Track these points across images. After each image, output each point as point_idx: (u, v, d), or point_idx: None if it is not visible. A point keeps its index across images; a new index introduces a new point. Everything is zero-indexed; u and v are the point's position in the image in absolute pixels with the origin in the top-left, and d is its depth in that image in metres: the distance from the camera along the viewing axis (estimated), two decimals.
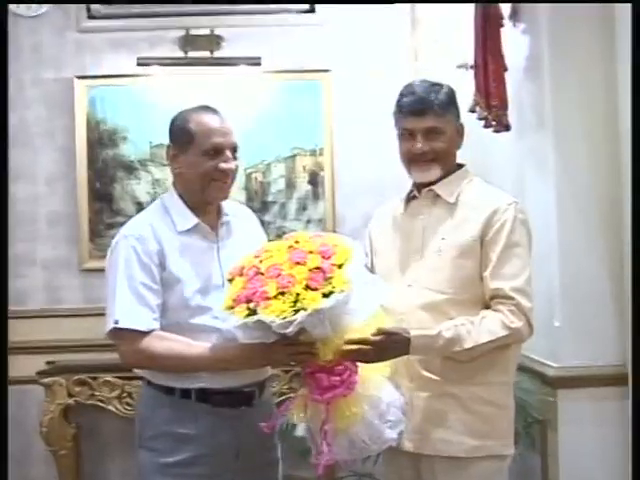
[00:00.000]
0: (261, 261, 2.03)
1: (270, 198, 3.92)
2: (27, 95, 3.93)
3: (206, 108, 2.25)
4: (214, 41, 3.85)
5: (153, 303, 2.09)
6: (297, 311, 1.91)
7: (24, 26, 3.89)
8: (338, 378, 2.03)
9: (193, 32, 3.87)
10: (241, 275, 2.03)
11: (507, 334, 2.09)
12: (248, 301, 1.96)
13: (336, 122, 3.83)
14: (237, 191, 3.77)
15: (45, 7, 3.86)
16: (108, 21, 3.91)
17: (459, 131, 2.31)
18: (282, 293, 1.94)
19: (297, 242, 2.07)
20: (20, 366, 3.60)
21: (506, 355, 2.21)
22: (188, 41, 3.86)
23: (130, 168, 3.76)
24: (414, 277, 2.21)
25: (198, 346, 2.08)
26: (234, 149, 2.22)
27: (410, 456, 2.26)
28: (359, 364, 2.07)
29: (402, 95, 2.27)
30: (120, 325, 2.04)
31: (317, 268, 1.97)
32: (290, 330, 1.91)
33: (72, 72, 3.88)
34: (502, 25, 2.99)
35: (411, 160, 2.28)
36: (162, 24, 3.88)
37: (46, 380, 3.47)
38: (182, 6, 3.82)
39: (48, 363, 3.56)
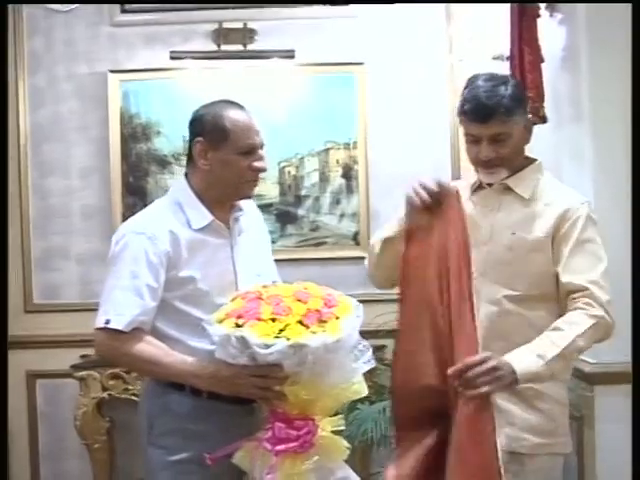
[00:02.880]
0: (267, 290, 2.05)
1: (303, 192, 3.91)
2: (61, 89, 3.92)
3: (234, 104, 2.24)
4: (247, 34, 3.84)
5: (151, 304, 2.08)
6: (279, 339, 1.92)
7: (58, 21, 3.90)
8: (295, 433, 2.01)
9: (226, 25, 3.85)
10: (244, 298, 2.04)
11: (594, 323, 2.02)
12: (239, 317, 1.96)
13: (370, 115, 3.80)
14: (271, 185, 3.83)
15: (79, 2, 3.83)
16: (141, 15, 3.90)
17: (527, 127, 2.24)
18: (273, 319, 1.94)
19: (306, 288, 2.07)
20: (54, 360, 3.67)
21: None
22: (221, 34, 3.86)
23: (163, 162, 3.76)
24: (480, 270, 2.12)
25: (175, 355, 2.07)
26: (263, 147, 2.23)
27: None
28: (324, 431, 2.05)
29: (465, 99, 2.20)
30: (111, 326, 2.03)
31: (316, 310, 1.97)
32: (266, 353, 1.89)
33: (106, 66, 3.88)
34: (539, 16, 2.96)
35: (477, 164, 2.23)
36: (195, 18, 3.87)
37: (80, 374, 3.51)
38: None
39: (82, 357, 3.58)
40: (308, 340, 1.90)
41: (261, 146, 2.21)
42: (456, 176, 3.59)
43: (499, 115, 2.13)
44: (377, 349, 2.60)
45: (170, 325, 2.14)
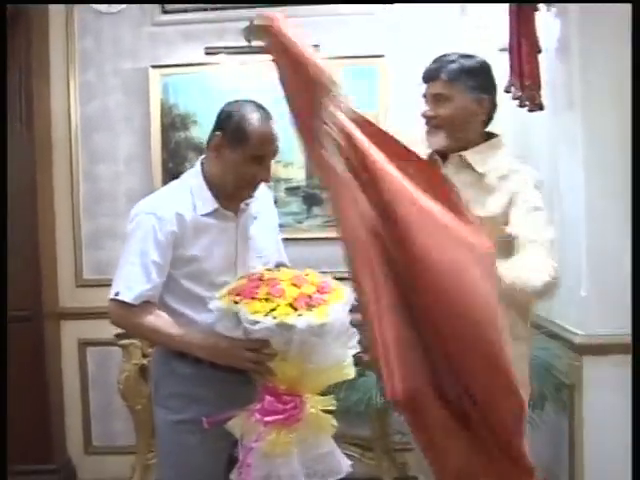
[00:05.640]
0: (269, 273, 2.17)
1: None
2: (108, 84, 4.09)
3: (261, 111, 2.26)
4: None
5: (157, 280, 2.17)
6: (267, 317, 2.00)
7: (105, 22, 4.07)
8: (282, 407, 2.09)
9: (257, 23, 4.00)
10: (247, 278, 2.15)
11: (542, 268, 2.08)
12: (237, 295, 2.07)
13: (390, 104, 3.89)
14: (297, 169, 3.93)
15: (124, 4, 4.02)
16: (180, 15, 4.03)
17: (480, 102, 2.31)
18: (266, 299, 2.03)
19: (307, 274, 2.16)
20: (101, 329, 3.73)
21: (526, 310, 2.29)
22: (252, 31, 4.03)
23: (200, 149, 3.85)
24: None
25: (179, 328, 2.17)
26: (275, 155, 2.28)
27: None
28: (313, 408, 2.13)
29: None
30: (120, 297, 2.15)
31: (307, 295, 2.05)
32: (254, 329, 1.99)
33: (147, 62, 4.03)
34: (537, 9, 3.02)
35: (425, 124, 2.36)
36: (228, 16, 3.92)
37: (123, 342, 3.61)
38: None
39: None
40: (294, 321, 1.98)
41: (274, 154, 2.27)
42: None
43: (441, 77, 2.30)
44: None
45: (176, 299, 2.25)
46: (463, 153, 2.32)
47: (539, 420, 3.05)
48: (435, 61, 2.35)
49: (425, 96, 2.36)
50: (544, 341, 3.12)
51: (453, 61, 2.31)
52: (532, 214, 2.21)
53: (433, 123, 2.33)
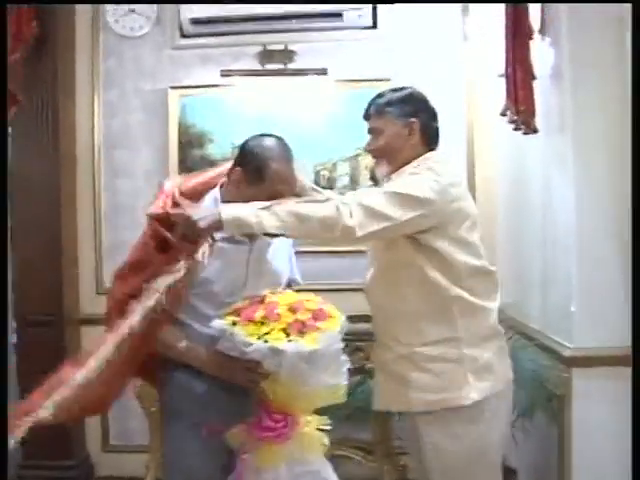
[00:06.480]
0: (270, 296, 2.21)
1: (336, 192, 3.78)
2: (130, 103, 4.19)
3: (281, 149, 2.31)
4: (287, 55, 4.03)
5: None
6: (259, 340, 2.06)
7: (128, 45, 4.17)
8: (273, 424, 2.17)
9: (269, 48, 4.06)
10: (250, 300, 2.22)
11: (323, 211, 2.13)
12: (237, 315, 2.15)
13: None
14: None
15: (146, 29, 4.10)
16: (197, 39, 4.10)
17: (409, 127, 2.41)
18: (262, 322, 2.10)
19: (308, 300, 2.21)
20: None
21: (449, 311, 2.32)
22: (265, 55, 4.06)
23: (214, 166, 3.80)
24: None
25: (186, 343, 2.26)
26: (292, 192, 2.33)
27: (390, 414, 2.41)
28: (306, 427, 2.21)
29: None
30: None
31: (301, 321, 2.10)
32: (247, 351, 2.06)
33: (167, 83, 4.12)
34: (531, 38, 3.13)
35: (372, 157, 2.52)
36: (243, 41, 4.06)
37: None
38: (260, 25, 3.98)
39: None
40: (284, 346, 2.04)
41: (290, 192, 2.31)
42: (471, 185, 3.68)
43: (372, 112, 2.46)
44: None
45: (184, 313, 2.31)
46: (391, 175, 2.43)
47: (531, 427, 3.14)
48: (370, 100, 2.50)
49: (368, 132, 2.50)
50: (536, 353, 3.18)
51: (382, 95, 2.46)
52: (376, 190, 2.31)
53: (374, 154, 2.49)
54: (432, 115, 2.49)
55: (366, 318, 2.53)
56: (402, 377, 2.37)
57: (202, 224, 2.10)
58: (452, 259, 2.33)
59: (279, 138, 2.36)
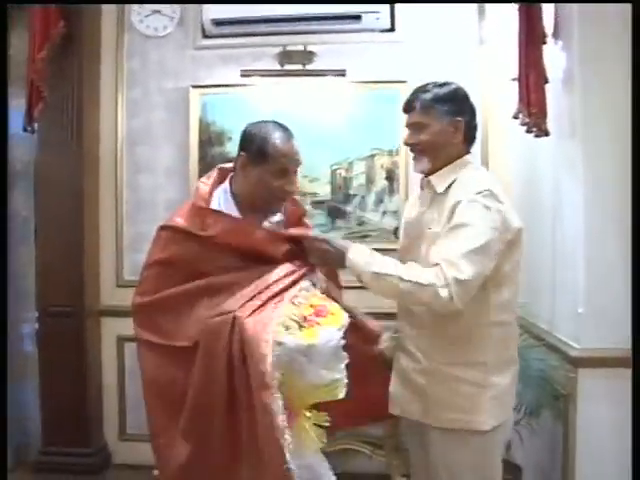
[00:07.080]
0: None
1: (352, 191, 4.10)
2: (152, 101, 4.26)
3: (281, 129, 2.36)
4: (306, 56, 4.08)
5: None
6: None
7: (152, 45, 4.24)
8: None
9: (289, 49, 4.10)
10: None
11: (421, 283, 2.13)
12: None
13: None
14: (324, 185, 4.08)
15: (169, 29, 4.17)
16: (219, 40, 4.15)
17: (455, 125, 2.38)
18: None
19: (313, 295, 2.26)
20: None
21: (482, 335, 2.30)
22: (285, 56, 4.11)
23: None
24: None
25: None
26: (296, 172, 2.37)
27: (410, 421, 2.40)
28: (305, 422, 2.17)
29: None
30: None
31: (303, 316, 2.13)
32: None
33: (188, 82, 4.18)
34: (545, 42, 3.15)
35: (410, 151, 2.47)
36: (263, 42, 4.12)
37: None
38: (280, 26, 4.02)
39: None
40: (284, 338, 2.07)
41: (295, 171, 2.37)
42: None
43: (415, 108, 2.39)
44: None
45: None
46: (429, 177, 2.43)
47: (537, 426, 3.18)
48: (412, 93, 2.45)
49: (407, 126, 2.46)
50: (544, 353, 3.20)
51: (427, 91, 2.40)
52: (451, 233, 2.23)
53: (416, 149, 2.43)
54: (474, 115, 2.48)
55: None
56: (422, 389, 2.38)
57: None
58: (511, 283, 2.35)
59: (276, 122, 2.42)
